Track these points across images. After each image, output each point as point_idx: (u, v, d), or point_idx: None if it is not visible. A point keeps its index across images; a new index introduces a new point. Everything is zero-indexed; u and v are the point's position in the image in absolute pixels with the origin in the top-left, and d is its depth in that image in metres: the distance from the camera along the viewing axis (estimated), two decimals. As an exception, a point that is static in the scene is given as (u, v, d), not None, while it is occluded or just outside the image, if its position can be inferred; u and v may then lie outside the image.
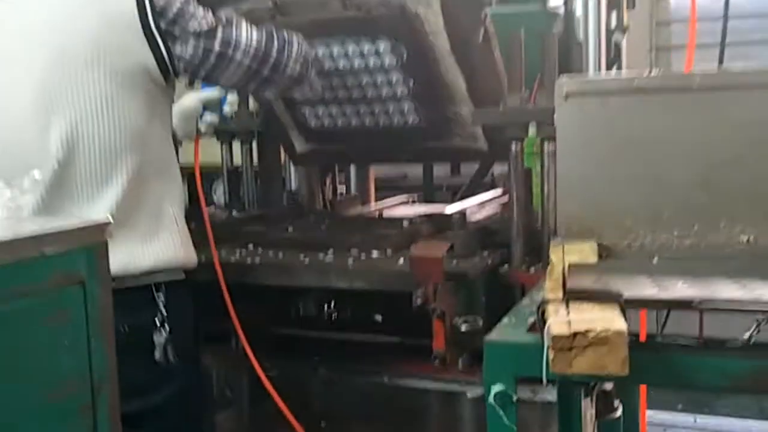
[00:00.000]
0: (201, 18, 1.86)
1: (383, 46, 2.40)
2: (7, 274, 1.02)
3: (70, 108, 1.77)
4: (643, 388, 2.60)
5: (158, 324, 1.77)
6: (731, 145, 1.76)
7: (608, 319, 1.14)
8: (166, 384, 1.79)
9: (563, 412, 1.72)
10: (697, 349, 1.23)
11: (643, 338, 1.85)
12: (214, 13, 1.92)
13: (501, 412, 1.28)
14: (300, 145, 2.86)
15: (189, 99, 2.29)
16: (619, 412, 2.21)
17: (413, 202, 3.81)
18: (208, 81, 1.94)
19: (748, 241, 1.77)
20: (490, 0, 2.23)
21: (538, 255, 2.22)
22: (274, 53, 1.96)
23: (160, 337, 1.76)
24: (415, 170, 6.71)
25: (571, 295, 1.26)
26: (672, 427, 4.51)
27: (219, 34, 1.88)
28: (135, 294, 1.76)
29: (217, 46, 1.87)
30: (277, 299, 2.52)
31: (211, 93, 2.29)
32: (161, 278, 1.80)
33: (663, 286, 1.29)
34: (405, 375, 2.31)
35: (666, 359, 1.20)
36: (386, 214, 3.03)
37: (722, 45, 2.44)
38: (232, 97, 2.39)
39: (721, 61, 2.50)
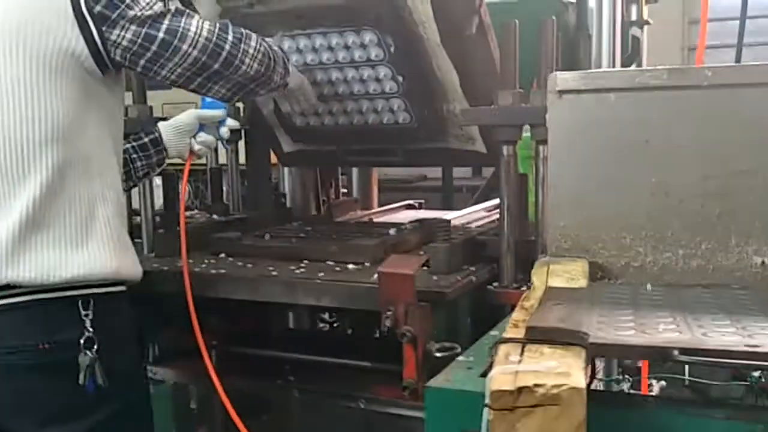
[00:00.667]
0: (145, 3, 1.66)
1: (369, 37, 2.18)
2: None
3: None
4: None
5: (82, 343, 1.57)
6: (747, 150, 1.52)
7: (564, 371, 0.91)
8: (91, 411, 1.59)
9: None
10: (671, 405, 0.99)
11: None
12: (163, 2, 1.72)
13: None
14: (287, 145, 2.66)
15: (185, 115, 2.14)
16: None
17: (419, 206, 3.59)
18: (148, 73, 1.73)
19: (762, 263, 1.53)
20: (489, -15, 1.98)
21: (528, 272, 1.98)
22: (226, 47, 1.76)
23: (84, 358, 1.56)
24: (435, 171, 6.48)
25: (533, 334, 1.03)
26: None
27: (166, 22, 1.68)
28: (57, 307, 1.57)
29: (161, 34, 1.67)
30: (253, 313, 2.33)
31: (211, 112, 2.14)
32: (88, 291, 1.60)
33: (644, 325, 1.06)
34: (382, 401, 2.09)
35: (632, 418, 0.96)
36: (378, 220, 2.81)
37: (739, 43, 2.17)
38: (232, 122, 2.22)
39: (738, 60, 2.23)
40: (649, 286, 1.45)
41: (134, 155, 2.00)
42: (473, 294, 1.92)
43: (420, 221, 2.44)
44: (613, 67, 2.50)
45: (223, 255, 2.24)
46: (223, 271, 2.06)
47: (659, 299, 1.27)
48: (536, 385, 0.88)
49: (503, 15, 2.12)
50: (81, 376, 1.55)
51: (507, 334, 1.08)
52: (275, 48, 1.96)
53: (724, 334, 0.99)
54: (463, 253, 1.99)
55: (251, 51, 1.81)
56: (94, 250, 1.61)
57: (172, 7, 1.72)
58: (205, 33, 1.73)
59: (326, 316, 2.81)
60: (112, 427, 1.63)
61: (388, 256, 2.07)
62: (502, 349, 1.02)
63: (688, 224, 1.58)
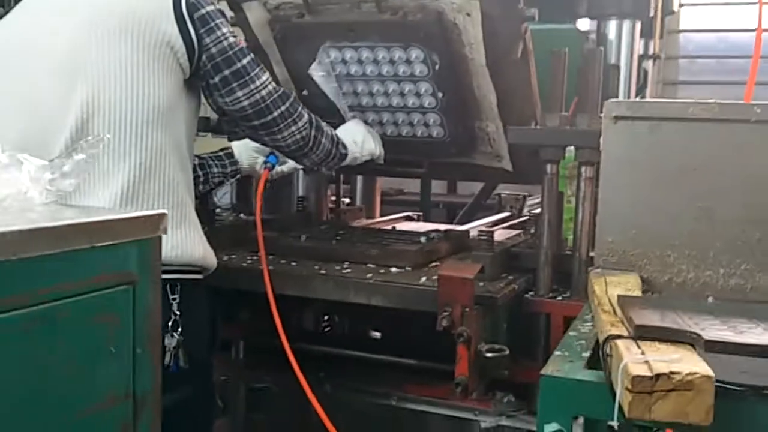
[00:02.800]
0: (228, 29, 1.81)
1: (415, 54, 2.30)
2: (52, 265, 0.89)
3: (92, 75, 1.72)
4: None
5: (170, 325, 1.65)
6: (788, 182, 1.68)
7: (692, 362, 1.04)
8: (170, 392, 1.67)
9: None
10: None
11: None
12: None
13: (555, 454, 1.18)
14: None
15: None
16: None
17: (418, 218, 3.71)
18: (214, 92, 1.85)
19: (798, 286, 1.69)
20: (533, 15, 2.12)
21: (564, 283, 2.12)
22: (275, 113, 1.93)
23: (171, 341, 1.64)
24: (411, 185, 6.61)
25: (642, 332, 1.16)
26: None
27: (244, 61, 1.84)
28: None
29: (230, 69, 1.81)
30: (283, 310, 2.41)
31: None
32: (178, 275, 1.68)
33: (736, 329, 1.20)
34: (415, 398, 2.20)
35: (746, 409, 1.10)
36: (399, 228, 2.92)
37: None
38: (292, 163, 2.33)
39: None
40: (710, 298, 1.59)
41: (211, 162, 2.13)
42: (514, 301, 2.05)
43: (444, 232, 2.57)
44: (629, 96, 2.68)
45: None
46: (271, 267, 2.14)
47: (728, 309, 1.41)
48: (672, 373, 1.01)
49: (536, 43, 2.28)
50: (167, 357, 1.63)
51: (612, 332, 1.21)
52: (329, 134, 2.12)
53: (812, 338, 1.14)
54: (503, 262, 2.12)
55: (294, 128, 1.96)
56: (186, 235, 1.70)
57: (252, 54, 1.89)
58: (264, 92, 1.89)
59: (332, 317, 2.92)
60: (187, 410, 1.70)
61: (426, 262, 2.20)
62: (621, 343, 1.14)
63: (729, 246, 1.73)
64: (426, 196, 6.20)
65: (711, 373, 1.01)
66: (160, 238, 1.08)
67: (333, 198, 3.36)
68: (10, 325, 0.86)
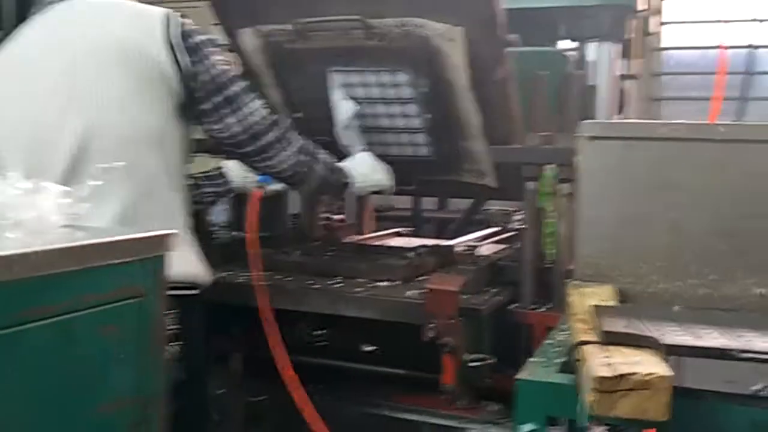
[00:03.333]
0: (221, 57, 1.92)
1: (402, 78, 2.41)
2: (75, 281, 0.99)
3: (89, 103, 1.82)
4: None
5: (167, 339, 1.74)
6: (752, 196, 1.79)
7: (652, 364, 1.14)
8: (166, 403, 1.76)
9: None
10: (731, 399, 1.23)
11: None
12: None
13: (528, 451, 1.27)
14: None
15: None
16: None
17: (409, 234, 3.81)
18: (205, 118, 1.95)
19: (761, 294, 1.79)
20: (514, 40, 2.23)
21: (545, 295, 2.22)
22: (269, 137, 2.01)
23: (167, 352, 1.73)
24: (402, 202, 6.72)
25: (609, 338, 1.26)
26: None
27: (235, 87, 1.95)
28: None
29: (224, 94, 1.91)
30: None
31: None
32: (173, 291, 1.77)
33: (695, 334, 1.30)
34: (405, 408, 2.29)
35: (698, 406, 1.20)
36: (389, 244, 3.02)
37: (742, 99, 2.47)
38: None
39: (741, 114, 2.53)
40: (676, 307, 1.69)
41: (203, 182, 2.22)
42: (497, 312, 2.15)
43: (431, 247, 2.67)
44: (611, 115, 2.80)
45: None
46: (267, 283, 2.24)
47: (693, 316, 1.51)
48: (632, 373, 1.11)
49: (517, 65, 2.40)
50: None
51: (582, 338, 1.31)
52: (325, 161, 2.20)
53: (763, 342, 1.24)
54: (488, 275, 2.22)
55: (284, 154, 2.05)
56: (180, 254, 1.79)
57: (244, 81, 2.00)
58: (256, 117, 1.98)
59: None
60: (180, 420, 1.78)
61: (414, 276, 2.30)
62: (587, 348, 1.24)
63: (697, 258, 1.83)
64: (417, 212, 6.32)
65: (668, 373, 1.11)
66: (164, 256, 1.18)
67: (325, 215, 3.46)
68: (34, 334, 0.96)
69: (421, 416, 2.27)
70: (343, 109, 2.48)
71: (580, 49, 2.84)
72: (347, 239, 3.21)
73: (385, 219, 5.72)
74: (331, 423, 2.37)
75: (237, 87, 1.95)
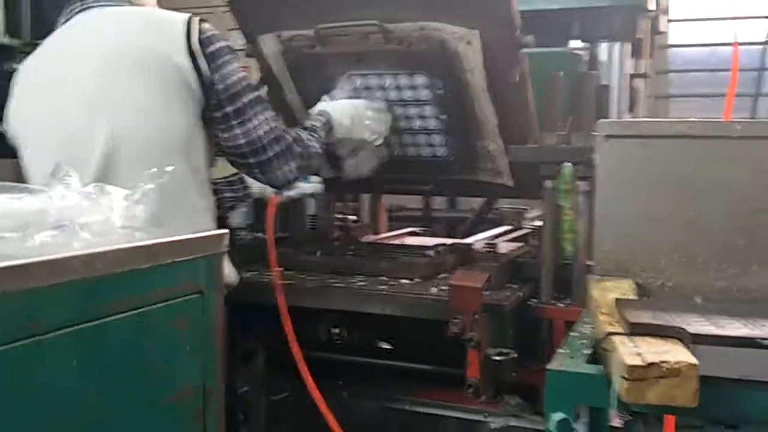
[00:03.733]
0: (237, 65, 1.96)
1: (420, 80, 2.46)
2: (147, 277, 1.05)
3: (115, 112, 1.87)
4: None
5: None
6: (766, 192, 1.84)
7: (679, 353, 1.19)
8: None
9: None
10: (752, 386, 1.28)
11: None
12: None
13: (558, 440, 1.32)
14: (326, 172, 2.90)
15: None
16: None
17: (423, 233, 3.87)
18: (220, 126, 1.99)
19: (776, 287, 1.84)
20: (530, 41, 2.28)
21: (563, 290, 2.27)
22: (270, 153, 2.04)
23: None
24: (413, 202, 6.78)
25: (636, 329, 1.31)
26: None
27: (245, 98, 1.98)
28: None
29: (233, 106, 1.94)
30: (297, 322, 2.56)
31: None
32: None
33: (718, 325, 1.35)
34: (428, 403, 2.34)
35: (721, 393, 1.25)
36: (406, 243, 3.08)
37: (756, 96, 2.52)
38: (308, 186, 2.48)
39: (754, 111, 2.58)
40: (698, 299, 1.75)
41: (224, 187, 2.27)
42: (518, 307, 2.20)
43: (450, 245, 2.72)
44: (623, 113, 2.85)
45: (280, 269, 2.48)
46: (291, 282, 2.29)
47: (714, 308, 1.56)
48: (662, 362, 1.16)
49: (532, 66, 2.45)
50: None
51: (609, 330, 1.36)
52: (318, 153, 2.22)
53: (786, 331, 1.29)
54: (507, 272, 2.28)
55: (287, 168, 2.08)
56: None
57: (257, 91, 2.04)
58: (260, 132, 2.01)
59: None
60: None
61: (435, 274, 2.35)
62: (616, 339, 1.29)
63: (715, 252, 1.88)
64: (427, 212, 6.38)
65: (695, 361, 1.16)
66: (220, 254, 1.24)
67: (340, 216, 3.52)
68: (114, 327, 1.02)
69: (443, 410, 2.33)
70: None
71: (591, 49, 2.88)
72: (364, 239, 3.27)
73: (396, 219, 5.80)
74: (354, 418, 2.43)
75: (247, 98, 1.98)
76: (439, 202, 6.99)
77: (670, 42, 6.35)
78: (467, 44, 2.32)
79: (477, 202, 5.54)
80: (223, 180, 2.37)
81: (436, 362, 2.35)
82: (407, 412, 2.35)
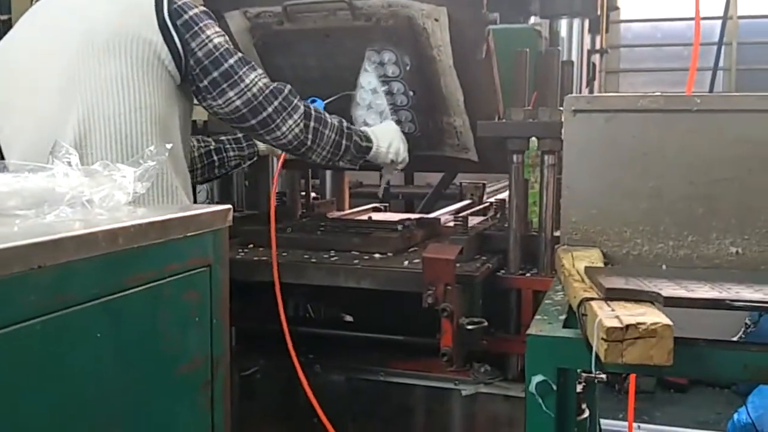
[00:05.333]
0: (215, 30, 1.95)
1: (388, 56, 2.49)
2: (161, 251, 1.07)
3: (87, 92, 1.86)
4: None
5: None
6: (726, 162, 1.92)
7: (655, 315, 1.26)
8: None
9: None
10: (722, 345, 1.37)
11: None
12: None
13: (541, 401, 1.39)
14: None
15: None
16: (586, 414, 2.37)
17: (385, 209, 3.92)
18: (206, 95, 1.98)
19: (737, 253, 1.94)
20: (495, 18, 2.33)
21: (530, 261, 2.34)
22: (269, 109, 2.03)
23: None
24: (370, 178, 6.83)
25: (611, 294, 1.38)
26: (618, 433, 4.72)
27: (231, 61, 1.97)
28: None
29: (218, 71, 1.95)
30: (268, 298, 2.58)
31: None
32: None
33: (688, 288, 1.42)
34: (399, 372, 2.40)
35: (694, 353, 1.32)
36: (373, 218, 3.12)
37: (714, 70, 2.61)
38: None
39: (712, 85, 2.67)
40: (664, 266, 1.83)
41: (228, 146, 2.28)
42: (488, 278, 2.26)
43: (417, 220, 2.78)
44: (581, 88, 2.92)
45: (252, 245, 2.50)
46: (265, 258, 2.32)
47: (680, 274, 1.64)
48: (639, 323, 1.22)
49: (497, 42, 2.50)
50: None
51: (586, 295, 1.43)
52: (335, 125, 2.23)
53: (750, 293, 1.37)
54: (476, 245, 2.34)
55: (291, 121, 2.08)
56: None
57: (239, 53, 2.02)
58: (255, 89, 2.00)
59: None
60: None
61: (406, 248, 2.40)
62: (593, 304, 1.36)
63: (677, 221, 1.96)
64: (386, 188, 6.42)
65: (670, 322, 1.23)
66: (226, 228, 1.26)
67: (302, 193, 3.54)
68: (133, 300, 1.04)
69: (415, 380, 2.39)
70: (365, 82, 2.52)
71: (552, 26, 2.94)
72: (330, 215, 3.30)
73: (354, 196, 5.84)
74: (327, 391, 2.47)
75: (232, 60, 1.97)
76: (396, 177, 7.07)
77: (622, 17, 6.48)
78: (435, 21, 2.35)
79: (432, 178, 5.62)
80: (229, 138, 2.36)
81: (406, 333, 2.41)
82: (380, 383, 2.41)
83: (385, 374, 2.41)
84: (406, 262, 2.23)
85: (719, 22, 5.35)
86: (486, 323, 2.08)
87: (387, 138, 2.42)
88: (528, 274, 2.29)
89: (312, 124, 2.14)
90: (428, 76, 2.52)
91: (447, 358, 2.04)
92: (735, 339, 5.00)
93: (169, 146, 1.39)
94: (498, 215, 2.74)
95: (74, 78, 1.86)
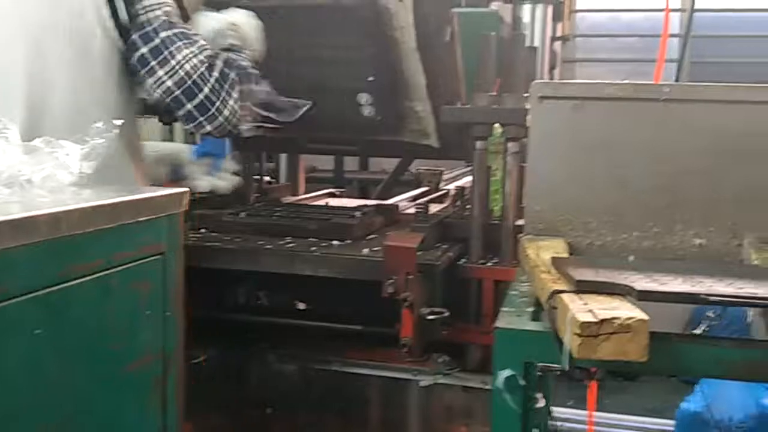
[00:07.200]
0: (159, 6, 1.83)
1: (349, 37, 2.41)
2: (109, 238, 0.98)
3: (36, 68, 1.74)
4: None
5: None
6: (691, 153, 1.90)
7: (629, 309, 1.22)
8: None
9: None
10: (694, 340, 1.34)
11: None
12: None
13: (508, 397, 1.34)
14: (248, 131, 2.82)
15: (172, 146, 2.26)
16: (541, 404, 2.34)
17: (342, 195, 3.84)
18: (140, 71, 1.86)
19: (700, 245, 1.92)
20: (460, 0, 2.27)
21: (492, 250, 2.30)
22: (205, 89, 1.86)
23: None
24: (324, 163, 6.73)
25: (582, 287, 1.33)
26: (568, 421, 4.76)
27: (162, 35, 1.83)
28: None
29: (147, 47, 1.82)
30: (219, 285, 2.50)
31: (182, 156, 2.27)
32: None
33: (660, 281, 1.39)
34: (356, 362, 2.34)
35: (668, 348, 1.29)
36: (330, 204, 3.04)
37: (681, 63, 2.60)
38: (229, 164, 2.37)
39: (678, 76, 2.67)
40: (631, 257, 1.80)
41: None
42: (450, 268, 2.21)
43: (376, 206, 2.71)
44: (543, 74, 2.89)
45: (204, 230, 2.40)
46: (217, 244, 2.23)
47: (649, 266, 1.61)
48: (613, 318, 1.18)
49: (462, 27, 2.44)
50: None
51: (556, 288, 1.38)
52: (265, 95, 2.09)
53: (723, 287, 1.34)
54: (438, 233, 2.28)
55: (232, 101, 1.91)
56: None
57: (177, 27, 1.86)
58: (187, 67, 1.82)
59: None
60: None
61: (364, 235, 2.34)
62: (564, 297, 1.31)
63: (641, 211, 1.94)
64: (340, 173, 6.35)
65: (646, 317, 1.19)
66: (180, 213, 1.17)
67: (256, 177, 3.44)
68: (72, 293, 0.95)
69: (372, 370, 2.33)
70: None
71: (515, 11, 2.90)
72: (284, 200, 3.22)
73: (308, 180, 5.75)
74: (281, 381, 2.40)
75: (164, 34, 1.80)
76: (350, 163, 7.00)
77: (578, 7, 6.48)
78: (399, 1, 2.28)
79: (388, 163, 5.56)
80: None
81: (364, 323, 2.34)
82: (336, 373, 2.34)
83: (341, 364, 2.35)
84: (366, 250, 2.16)
85: (676, 14, 5.40)
86: (447, 313, 2.03)
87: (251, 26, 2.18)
88: (490, 264, 2.24)
89: (245, 88, 1.96)
90: (390, 59, 2.44)
91: (407, 349, 1.98)
92: (698, 332, 5.03)
93: (119, 123, 1.28)
94: (458, 203, 2.69)
95: (21, 57, 1.74)
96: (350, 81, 2.53)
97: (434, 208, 2.78)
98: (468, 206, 2.37)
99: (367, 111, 2.61)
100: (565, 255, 1.80)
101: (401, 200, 3.40)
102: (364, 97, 2.58)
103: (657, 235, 1.93)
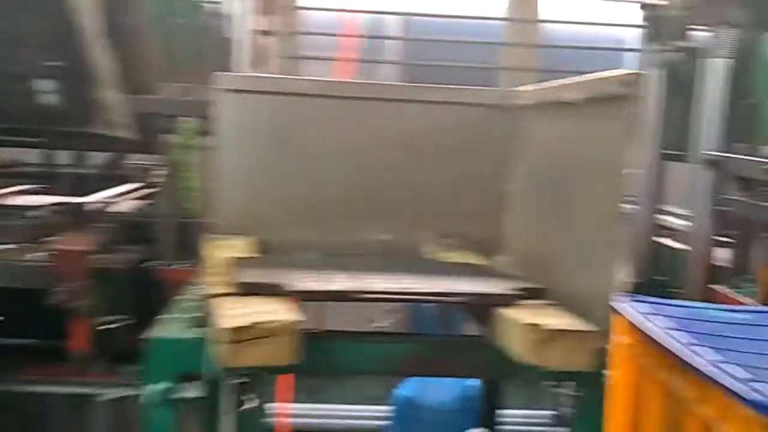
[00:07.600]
0: None
1: (28, 18, 2.16)
2: None
3: None
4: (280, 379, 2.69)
5: None
6: (377, 151, 1.91)
7: (278, 311, 1.16)
8: None
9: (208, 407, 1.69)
10: (359, 337, 1.32)
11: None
12: None
13: (157, 412, 1.24)
14: None
15: None
16: (255, 403, 2.28)
17: (38, 191, 3.49)
18: None
19: (386, 240, 1.95)
20: (150, -15, 2.12)
21: (188, 250, 2.18)
22: None
23: None
24: (30, 156, 6.15)
25: (245, 288, 1.26)
26: (296, 416, 4.74)
27: None
28: None
29: None
30: None
31: None
32: None
33: (328, 279, 1.36)
34: (35, 381, 2.10)
35: (331, 347, 1.26)
36: (11, 203, 2.72)
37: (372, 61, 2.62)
38: None
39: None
40: (312, 255, 1.76)
41: None
42: (135, 271, 2.05)
43: (59, 205, 2.47)
44: (247, 70, 2.80)
45: None
46: None
47: (329, 262, 1.58)
48: (257, 323, 1.12)
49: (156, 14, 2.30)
50: None
51: (214, 291, 1.30)
52: None
53: (384, 283, 1.33)
54: (124, 233, 2.11)
55: None
56: None
57: None
58: None
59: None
60: None
61: (38, 237, 2.12)
62: (218, 300, 1.23)
63: (329, 208, 1.92)
64: (48, 167, 5.84)
65: (295, 318, 1.14)
66: None
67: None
68: None
69: (50, 387, 2.11)
70: None
71: (215, 2, 2.78)
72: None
73: (10, 175, 5.20)
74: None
75: None
76: (64, 156, 6.46)
77: (299, 4, 6.50)
78: (78, -20, 2.08)
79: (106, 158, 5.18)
80: None
81: (41, 336, 2.12)
82: (8, 393, 2.09)
83: (17, 383, 2.09)
84: (34, 254, 1.94)
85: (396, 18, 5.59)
86: (130, 321, 1.87)
87: None
88: (178, 266, 2.11)
89: None
90: (76, 45, 2.22)
91: (82, 362, 1.80)
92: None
93: None
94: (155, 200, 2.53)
95: None
96: (34, 67, 2.27)
97: (131, 205, 2.60)
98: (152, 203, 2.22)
99: (52, 99, 2.36)
100: (249, 254, 1.73)
101: (101, 198, 3.15)
102: (49, 85, 2.33)
103: (346, 231, 1.93)
